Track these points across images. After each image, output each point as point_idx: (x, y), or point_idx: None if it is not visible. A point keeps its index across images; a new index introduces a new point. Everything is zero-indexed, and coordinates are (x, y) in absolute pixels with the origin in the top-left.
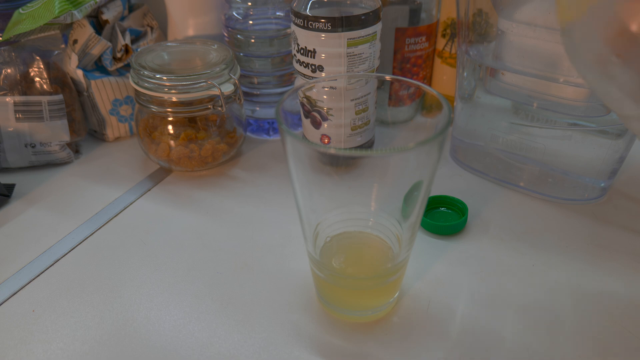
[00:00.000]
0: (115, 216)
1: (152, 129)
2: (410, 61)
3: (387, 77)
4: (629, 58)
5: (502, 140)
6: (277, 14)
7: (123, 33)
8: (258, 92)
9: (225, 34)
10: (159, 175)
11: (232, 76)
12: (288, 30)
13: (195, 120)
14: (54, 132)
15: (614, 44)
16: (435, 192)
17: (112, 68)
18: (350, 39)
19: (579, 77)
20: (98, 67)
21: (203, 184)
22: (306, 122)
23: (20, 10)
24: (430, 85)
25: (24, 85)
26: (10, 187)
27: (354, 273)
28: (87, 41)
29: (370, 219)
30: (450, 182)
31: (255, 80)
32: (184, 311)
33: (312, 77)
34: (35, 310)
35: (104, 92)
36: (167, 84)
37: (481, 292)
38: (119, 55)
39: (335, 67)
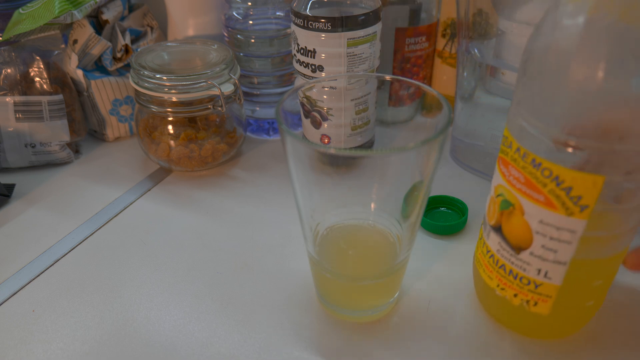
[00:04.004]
0: (115, 216)
1: (152, 129)
2: (410, 61)
3: (387, 77)
4: None
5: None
6: (277, 14)
7: (123, 33)
8: (258, 92)
9: (225, 34)
10: (159, 175)
11: (232, 76)
12: (288, 30)
13: (195, 120)
14: (54, 132)
15: None
16: (435, 192)
17: (112, 68)
18: (350, 39)
19: None
20: (98, 67)
21: (203, 184)
22: (306, 122)
23: (20, 10)
24: (430, 85)
25: (24, 85)
26: (10, 187)
27: (354, 273)
28: (87, 41)
29: (370, 219)
30: (450, 182)
31: (255, 80)
32: (184, 311)
33: (312, 77)
34: (35, 310)
35: (104, 92)
36: (167, 84)
37: None
38: (119, 55)
39: (335, 67)
